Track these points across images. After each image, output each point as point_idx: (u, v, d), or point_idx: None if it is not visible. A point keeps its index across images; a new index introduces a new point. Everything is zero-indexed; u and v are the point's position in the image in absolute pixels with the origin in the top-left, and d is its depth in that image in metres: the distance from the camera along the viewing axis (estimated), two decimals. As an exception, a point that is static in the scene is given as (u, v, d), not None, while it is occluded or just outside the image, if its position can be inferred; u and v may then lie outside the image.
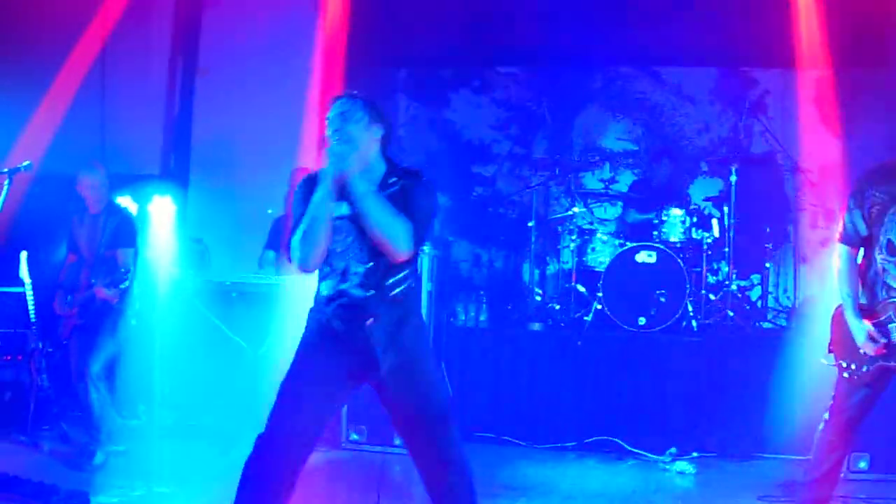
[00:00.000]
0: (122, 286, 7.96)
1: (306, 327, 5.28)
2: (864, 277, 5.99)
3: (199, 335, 9.08)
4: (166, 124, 11.37)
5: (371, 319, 5.09)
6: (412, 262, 5.17)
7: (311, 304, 5.27)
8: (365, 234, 5.05)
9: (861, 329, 5.86)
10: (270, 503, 5.12)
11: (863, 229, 5.93)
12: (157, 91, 11.36)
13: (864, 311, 5.92)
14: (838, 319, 6.05)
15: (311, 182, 5.17)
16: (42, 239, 8.83)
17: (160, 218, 9.31)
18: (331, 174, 5.00)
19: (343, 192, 5.09)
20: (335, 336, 5.15)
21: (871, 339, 5.81)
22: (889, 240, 5.83)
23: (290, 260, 5.17)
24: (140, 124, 11.00)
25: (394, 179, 5.17)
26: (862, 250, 6.02)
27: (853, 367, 5.94)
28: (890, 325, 5.79)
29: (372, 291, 5.09)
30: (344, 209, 5.12)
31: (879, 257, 5.89)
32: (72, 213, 8.39)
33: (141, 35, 11.30)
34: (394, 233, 4.99)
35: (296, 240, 5.09)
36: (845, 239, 6.02)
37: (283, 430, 5.10)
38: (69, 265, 8.39)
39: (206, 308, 9.06)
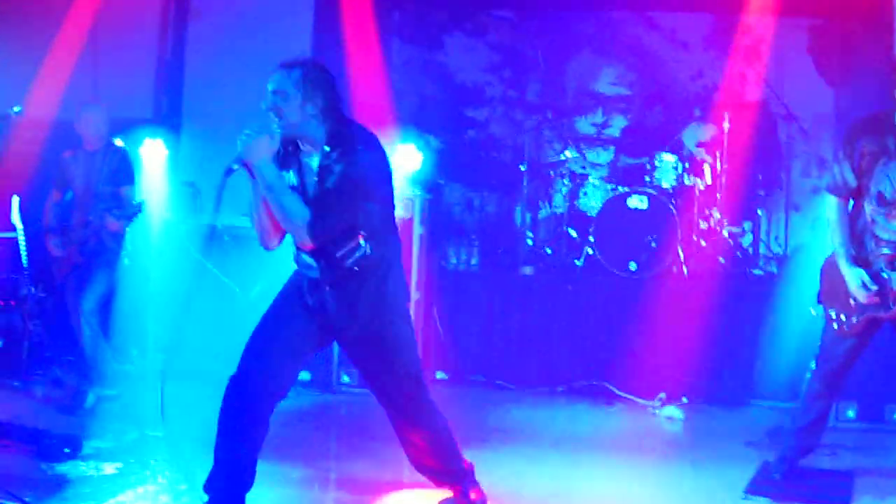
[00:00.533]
0: (134, 219, 7.96)
1: (290, 277, 5.46)
2: (853, 228, 6.02)
3: (191, 279, 9.09)
4: (158, 67, 11.30)
5: (327, 288, 5.23)
6: (367, 234, 5.15)
7: None
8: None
9: (855, 275, 5.90)
10: (243, 442, 5.23)
11: (852, 180, 5.95)
12: (149, 34, 11.28)
13: (855, 262, 5.96)
14: (828, 270, 6.09)
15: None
16: (32, 184, 8.80)
17: (152, 161, 9.30)
18: (239, 160, 5.04)
19: (288, 162, 5.24)
20: (304, 296, 5.34)
21: (865, 286, 5.85)
22: (879, 191, 5.86)
23: None
24: (132, 67, 10.93)
25: (330, 152, 5.11)
26: (851, 201, 6.05)
27: (843, 317, 6.00)
28: (882, 276, 5.83)
29: (322, 262, 5.19)
30: (292, 178, 5.23)
31: (869, 208, 5.93)
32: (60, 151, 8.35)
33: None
34: (292, 226, 5.11)
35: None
36: (835, 190, 6.05)
37: (253, 371, 5.23)
38: (55, 204, 8.34)
39: (199, 252, 9.06)
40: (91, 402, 7.94)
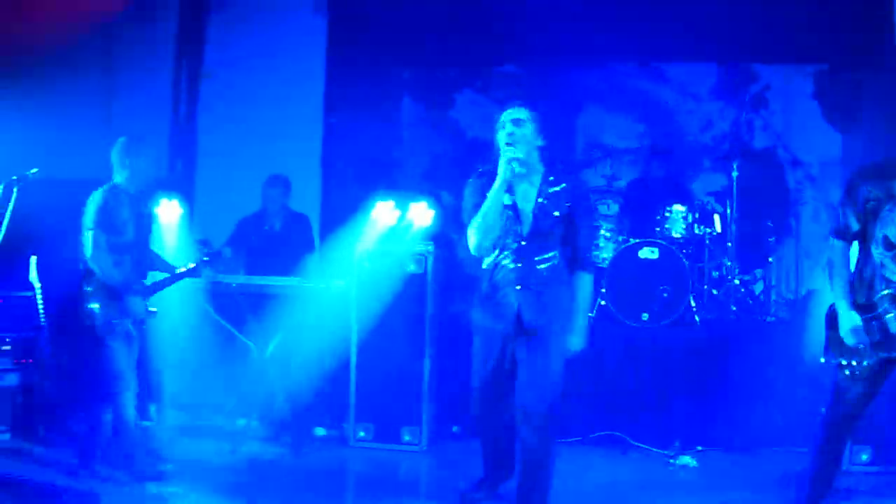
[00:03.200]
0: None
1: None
2: (862, 273, 6.07)
3: (207, 336, 9.16)
4: (172, 127, 11.41)
5: (518, 287, 6.40)
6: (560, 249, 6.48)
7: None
8: (519, 220, 6.41)
9: (849, 320, 5.95)
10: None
11: (854, 225, 6.01)
12: (162, 94, 11.40)
13: (863, 308, 6.00)
14: (832, 318, 6.12)
15: (483, 178, 6.53)
16: (49, 243, 8.86)
17: (167, 220, 9.39)
18: (505, 173, 6.26)
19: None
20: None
21: (856, 332, 5.90)
22: (885, 235, 5.90)
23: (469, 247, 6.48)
24: (146, 127, 11.02)
25: (552, 178, 6.49)
26: (856, 245, 6.10)
27: (854, 363, 5.99)
28: (887, 317, 5.86)
29: (522, 265, 6.41)
30: (507, 199, 6.38)
31: (876, 252, 5.96)
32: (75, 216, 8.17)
33: (146, 38, 11.34)
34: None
35: (474, 227, 6.38)
36: (837, 233, 6.12)
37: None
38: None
39: (214, 309, 9.12)
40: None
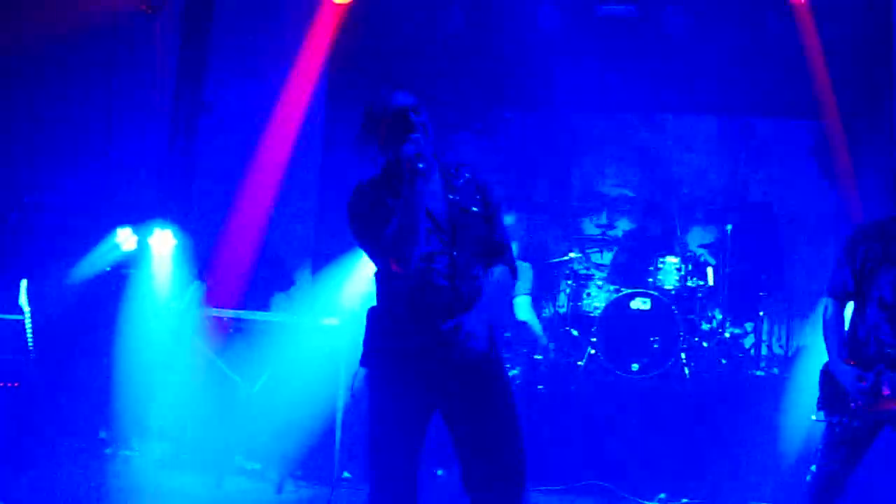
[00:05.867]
0: None
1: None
2: (857, 333, 6.05)
3: (195, 369, 9.11)
4: (169, 158, 11.38)
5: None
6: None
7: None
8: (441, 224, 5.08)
9: (847, 373, 5.92)
10: None
11: (850, 284, 6.00)
12: (160, 125, 11.38)
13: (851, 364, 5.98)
14: (827, 375, 6.10)
15: (374, 186, 5.20)
16: (41, 267, 8.83)
17: (161, 252, 9.37)
18: (416, 167, 4.93)
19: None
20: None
21: (858, 379, 5.88)
22: (881, 295, 5.89)
23: (390, 261, 5.00)
24: (143, 157, 11.01)
25: (454, 171, 5.29)
26: (852, 305, 6.09)
27: (845, 421, 5.98)
28: (881, 377, 5.84)
29: (457, 281, 5.05)
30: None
31: (871, 313, 5.95)
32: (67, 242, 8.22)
33: (146, 68, 11.34)
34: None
35: (392, 237, 4.93)
36: (833, 292, 6.10)
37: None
38: None
39: (204, 342, 9.09)
40: None
